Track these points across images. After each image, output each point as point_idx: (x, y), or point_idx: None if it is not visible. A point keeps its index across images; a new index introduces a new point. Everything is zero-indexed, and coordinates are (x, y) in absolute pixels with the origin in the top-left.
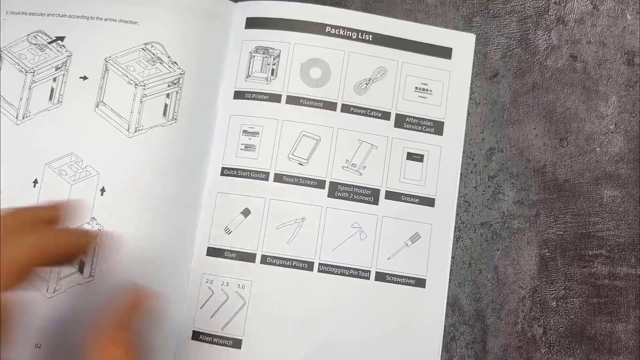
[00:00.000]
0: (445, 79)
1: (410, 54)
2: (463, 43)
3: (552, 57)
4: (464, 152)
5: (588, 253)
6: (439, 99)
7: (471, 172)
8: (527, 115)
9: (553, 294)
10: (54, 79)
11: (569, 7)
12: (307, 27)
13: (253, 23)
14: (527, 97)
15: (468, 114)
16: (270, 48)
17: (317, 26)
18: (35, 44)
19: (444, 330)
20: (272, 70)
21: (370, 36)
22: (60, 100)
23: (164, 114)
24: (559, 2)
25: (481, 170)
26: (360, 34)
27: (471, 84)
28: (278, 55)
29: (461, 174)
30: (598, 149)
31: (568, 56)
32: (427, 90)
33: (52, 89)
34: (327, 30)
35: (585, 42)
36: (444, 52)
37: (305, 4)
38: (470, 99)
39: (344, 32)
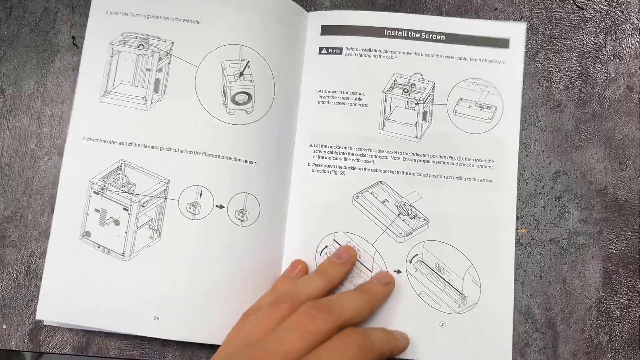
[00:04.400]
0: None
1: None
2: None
3: (610, 88)
4: (532, 174)
5: None
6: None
7: (539, 193)
8: (589, 142)
9: (617, 304)
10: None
11: (624, 43)
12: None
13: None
14: (588, 125)
15: (535, 140)
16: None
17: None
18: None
19: (519, 337)
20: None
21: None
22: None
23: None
24: (615, 38)
25: (548, 192)
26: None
27: (537, 112)
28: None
29: (530, 195)
30: None
31: (624, 88)
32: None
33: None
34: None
35: None
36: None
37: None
38: (536, 126)
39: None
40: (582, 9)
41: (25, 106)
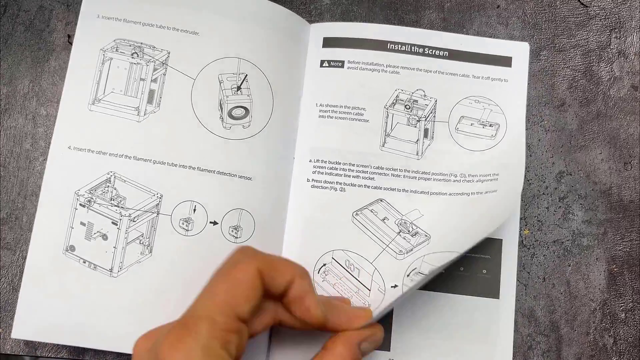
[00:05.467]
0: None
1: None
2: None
3: (615, 87)
4: (536, 175)
5: None
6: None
7: (543, 193)
8: (593, 141)
9: (622, 306)
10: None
11: (629, 41)
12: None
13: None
14: (592, 124)
15: (538, 140)
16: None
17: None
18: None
19: (522, 340)
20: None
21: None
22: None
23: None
24: (620, 36)
25: (552, 192)
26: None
27: (540, 112)
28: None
29: (534, 195)
30: None
31: (629, 86)
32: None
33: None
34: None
35: None
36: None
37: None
38: (540, 125)
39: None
40: (586, 7)
41: (20, 106)
